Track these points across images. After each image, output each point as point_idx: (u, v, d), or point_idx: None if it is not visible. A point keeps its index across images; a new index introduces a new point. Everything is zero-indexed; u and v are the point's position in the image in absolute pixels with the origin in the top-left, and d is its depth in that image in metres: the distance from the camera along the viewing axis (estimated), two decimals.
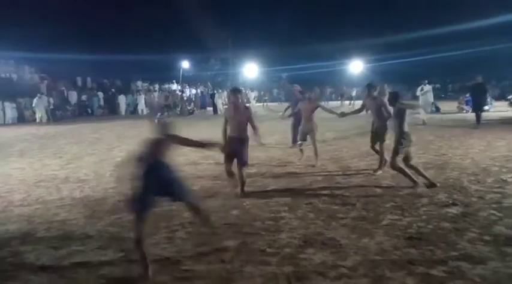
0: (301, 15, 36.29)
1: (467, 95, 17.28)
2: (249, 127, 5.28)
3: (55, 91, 24.22)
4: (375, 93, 6.66)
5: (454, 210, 4.46)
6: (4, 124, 18.89)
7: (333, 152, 8.46)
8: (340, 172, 6.53)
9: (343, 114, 6.85)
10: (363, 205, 4.74)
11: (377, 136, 6.44)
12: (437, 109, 17.84)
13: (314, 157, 7.17)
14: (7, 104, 19.65)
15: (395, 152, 5.28)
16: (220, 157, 5.83)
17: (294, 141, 8.48)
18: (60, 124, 18.11)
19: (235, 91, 5.37)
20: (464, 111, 17.69)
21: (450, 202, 4.74)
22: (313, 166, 7.00)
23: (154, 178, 3.12)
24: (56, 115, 20.91)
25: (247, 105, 7.56)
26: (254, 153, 6.97)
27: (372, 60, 35.72)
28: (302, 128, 7.38)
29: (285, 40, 33.23)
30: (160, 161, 3.21)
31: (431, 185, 5.30)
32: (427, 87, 14.99)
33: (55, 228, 4.27)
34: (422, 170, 5.47)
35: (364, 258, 3.33)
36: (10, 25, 22.57)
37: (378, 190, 5.37)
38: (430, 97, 15.20)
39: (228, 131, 5.24)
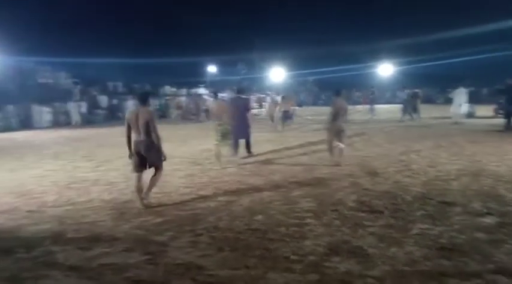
0: (329, 17, 35.99)
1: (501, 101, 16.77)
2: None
3: (87, 96, 25.09)
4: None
5: (489, 220, 4.24)
6: (40, 128, 19.74)
7: (361, 157, 8.29)
8: (367, 178, 6.38)
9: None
10: (391, 213, 4.59)
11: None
12: (471, 114, 17.19)
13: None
14: (44, 108, 20.53)
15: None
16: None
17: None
18: (92, 128, 18.74)
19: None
20: (499, 116, 16.98)
21: (485, 211, 4.52)
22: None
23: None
24: (87, 119, 21.72)
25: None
26: (279, 159, 6.92)
27: (403, 62, 34.90)
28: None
29: (312, 42, 32.98)
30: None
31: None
32: (460, 90, 15.61)
33: (84, 229, 4.39)
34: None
35: (393, 268, 3.22)
36: (48, 33, 23.76)
37: (407, 198, 5.19)
38: (463, 99, 15.56)
39: None
